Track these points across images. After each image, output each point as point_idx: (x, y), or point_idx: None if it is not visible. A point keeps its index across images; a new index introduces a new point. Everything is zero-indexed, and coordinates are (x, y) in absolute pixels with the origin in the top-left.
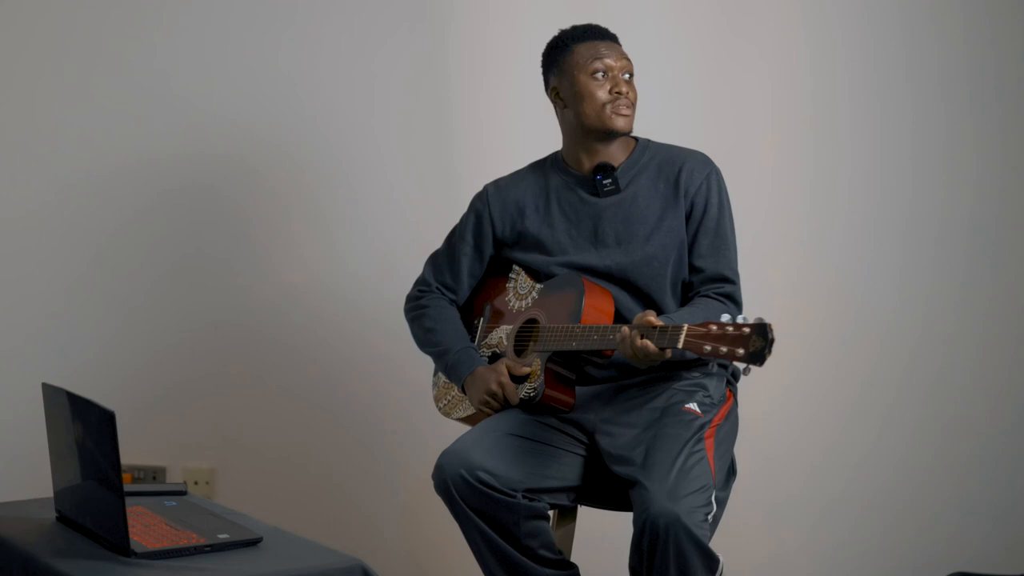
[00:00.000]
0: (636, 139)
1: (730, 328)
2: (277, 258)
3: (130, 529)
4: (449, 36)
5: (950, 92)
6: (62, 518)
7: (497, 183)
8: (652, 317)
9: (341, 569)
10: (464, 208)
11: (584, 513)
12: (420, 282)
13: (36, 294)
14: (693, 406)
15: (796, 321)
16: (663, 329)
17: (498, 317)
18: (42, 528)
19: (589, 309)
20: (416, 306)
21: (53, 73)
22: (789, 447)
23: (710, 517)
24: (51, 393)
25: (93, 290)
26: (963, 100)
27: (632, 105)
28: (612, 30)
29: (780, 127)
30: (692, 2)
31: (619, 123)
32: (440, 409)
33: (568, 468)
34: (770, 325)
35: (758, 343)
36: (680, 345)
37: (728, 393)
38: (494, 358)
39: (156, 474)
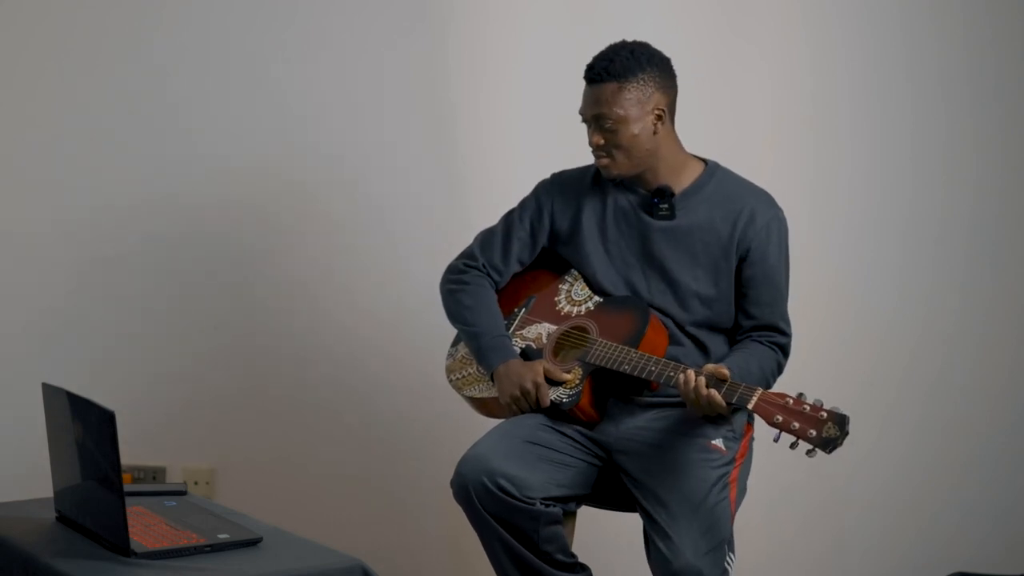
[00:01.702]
0: (705, 162)
1: (807, 407)
2: (277, 258)
3: (130, 529)
4: (449, 36)
5: (950, 92)
6: (62, 518)
7: (563, 176)
8: (725, 369)
9: (341, 569)
10: (463, 209)
11: (584, 513)
12: (467, 256)
13: (36, 294)
14: (719, 443)
15: (796, 321)
16: (734, 386)
17: (541, 313)
18: (42, 528)
19: (648, 340)
20: (457, 279)
21: (53, 73)
22: (789, 447)
23: (728, 568)
24: (51, 393)
25: (93, 290)
26: (963, 100)
27: (607, 153)
28: (613, 31)
29: (780, 127)
30: (692, 2)
31: (602, 172)
32: (452, 382)
33: (583, 478)
34: (848, 418)
35: (832, 431)
36: (750, 407)
37: (747, 426)
38: (524, 353)
39: (156, 474)
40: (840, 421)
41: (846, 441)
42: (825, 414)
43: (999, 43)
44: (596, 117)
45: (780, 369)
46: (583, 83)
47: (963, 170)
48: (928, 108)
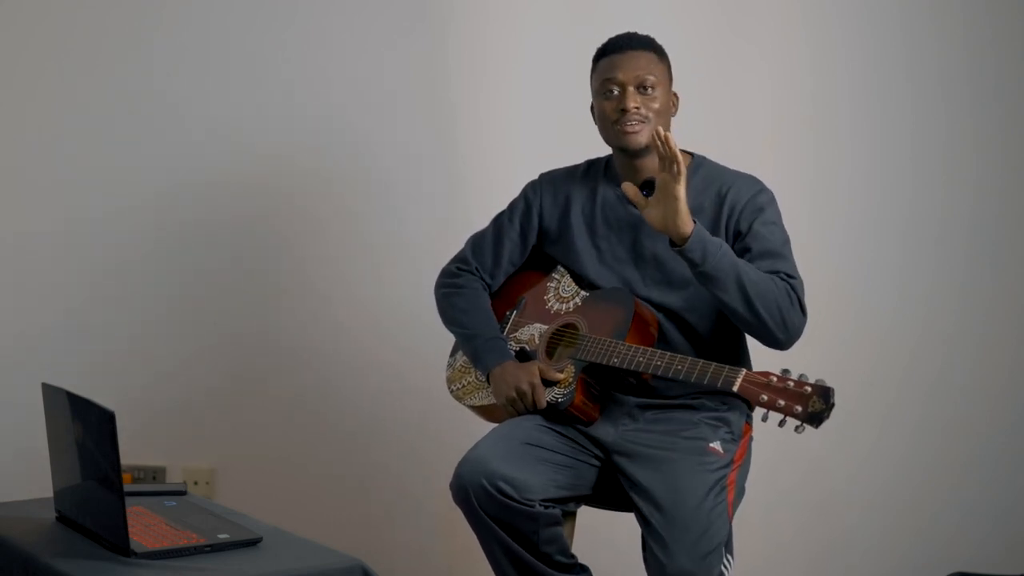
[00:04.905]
0: (692, 155)
1: (791, 383)
2: (276, 259)
3: (130, 529)
4: (449, 36)
5: (950, 92)
6: (62, 518)
7: (551, 175)
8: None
9: (341, 569)
10: (462, 209)
11: (584, 513)
12: (459, 259)
13: (37, 294)
14: (716, 445)
15: None
16: (718, 369)
17: (532, 313)
18: (42, 528)
19: (635, 330)
20: (452, 283)
21: (53, 73)
22: (789, 447)
23: (726, 571)
24: (51, 393)
25: (93, 290)
26: (963, 100)
27: (644, 119)
28: (613, 31)
29: (780, 127)
30: (692, 2)
31: (628, 140)
32: (453, 392)
33: (583, 479)
34: (833, 390)
35: (818, 405)
36: (735, 389)
37: (746, 427)
38: (521, 354)
39: (156, 474)
40: (824, 394)
41: (841, 431)
42: (809, 388)
43: (999, 43)
44: (638, 78)
45: (786, 294)
46: (589, 65)
47: (963, 170)
48: (928, 108)
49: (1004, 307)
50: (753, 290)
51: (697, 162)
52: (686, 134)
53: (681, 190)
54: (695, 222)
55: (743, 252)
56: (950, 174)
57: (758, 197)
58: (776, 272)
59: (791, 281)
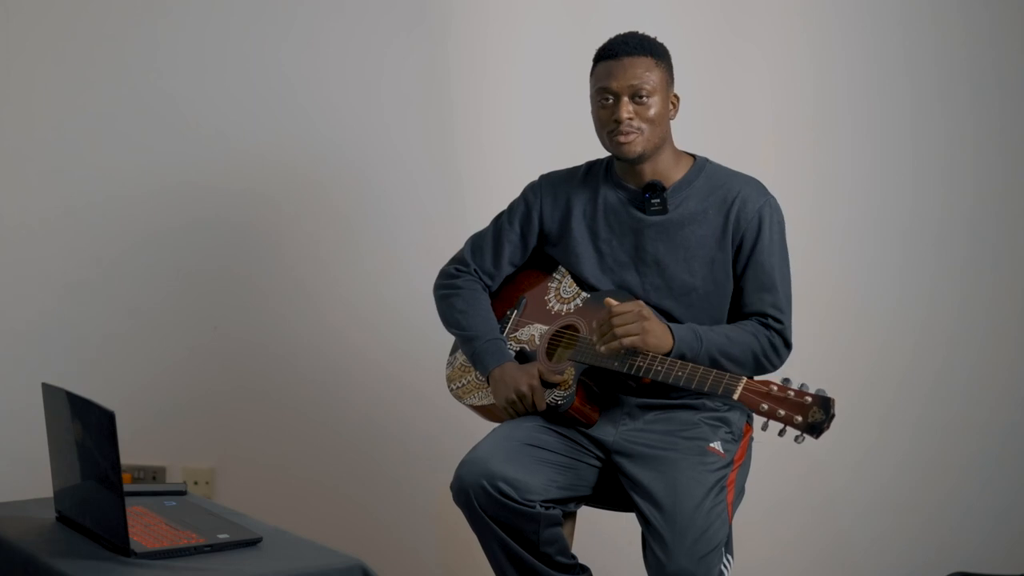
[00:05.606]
0: (694, 157)
1: (791, 392)
2: (277, 260)
3: (130, 529)
4: (449, 37)
5: (950, 92)
6: (62, 518)
7: (551, 177)
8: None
9: (341, 569)
10: (461, 209)
11: (584, 513)
12: (458, 260)
13: (37, 294)
14: (717, 445)
15: (796, 321)
16: (719, 376)
17: (533, 313)
18: (42, 528)
19: None
20: (450, 284)
21: (52, 72)
22: (789, 447)
23: (725, 570)
24: (51, 393)
25: (94, 290)
26: (963, 100)
27: (635, 129)
28: (613, 31)
29: (780, 127)
30: (692, 2)
31: (621, 150)
32: (452, 391)
33: (583, 480)
34: (833, 400)
35: (818, 415)
36: (735, 397)
37: (746, 427)
38: (521, 354)
39: (156, 474)
40: (824, 404)
41: (841, 431)
42: (810, 399)
43: (999, 43)
44: (631, 88)
45: (769, 346)
46: (588, 66)
47: (963, 170)
48: (928, 108)
49: (1004, 307)
50: (736, 363)
51: (699, 164)
52: (686, 134)
53: (646, 332)
54: (672, 335)
55: (742, 272)
56: (950, 174)
57: (763, 212)
58: (764, 315)
59: (777, 326)
